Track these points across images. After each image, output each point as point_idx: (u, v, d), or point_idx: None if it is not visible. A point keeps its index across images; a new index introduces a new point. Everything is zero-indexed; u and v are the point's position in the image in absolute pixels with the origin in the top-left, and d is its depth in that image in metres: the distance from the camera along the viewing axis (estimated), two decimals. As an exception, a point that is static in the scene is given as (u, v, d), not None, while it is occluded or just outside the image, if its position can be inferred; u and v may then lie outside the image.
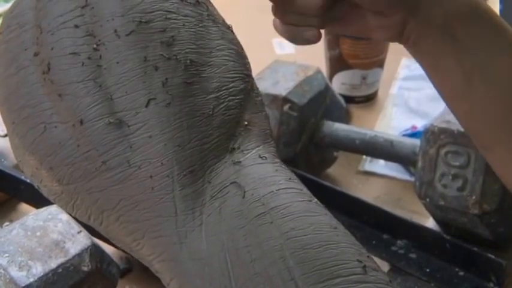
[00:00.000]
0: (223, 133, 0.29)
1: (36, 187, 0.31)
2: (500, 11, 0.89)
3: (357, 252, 0.26)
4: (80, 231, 0.53)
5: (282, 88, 0.75)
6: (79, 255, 0.51)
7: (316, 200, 0.28)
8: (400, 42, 0.46)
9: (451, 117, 0.67)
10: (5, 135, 0.81)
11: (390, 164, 0.84)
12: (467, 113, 0.45)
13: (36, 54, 0.29)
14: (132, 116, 0.27)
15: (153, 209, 0.27)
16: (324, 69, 0.92)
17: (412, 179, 0.75)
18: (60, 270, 0.50)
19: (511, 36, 0.43)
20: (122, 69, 0.28)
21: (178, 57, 0.28)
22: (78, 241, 0.52)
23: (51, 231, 0.52)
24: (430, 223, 0.73)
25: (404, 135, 0.86)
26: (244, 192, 0.27)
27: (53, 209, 0.54)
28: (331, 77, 0.96)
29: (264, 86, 0.75)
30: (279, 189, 0.27)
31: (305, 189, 0.28)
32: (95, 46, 0.28)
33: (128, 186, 0.27)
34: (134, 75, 0.28)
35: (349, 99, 0.95)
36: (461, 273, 0.66)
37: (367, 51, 0.92)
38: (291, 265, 0.25)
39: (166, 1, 0.29)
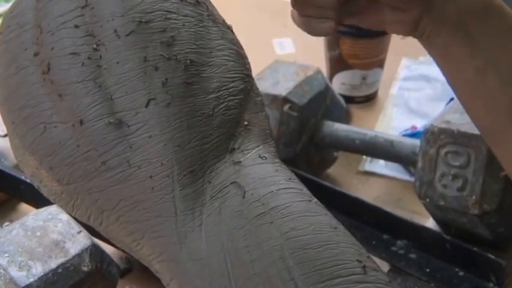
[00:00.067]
0: (223, 133, 0.29)
1: (36, 187, 0.31)
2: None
3: (356, 253, 0.26)
4: (80, 231, 0.53)
5: (282, 88, 0.75)
6: (79, 255, 0.51)
7: (316, 200, 0.28)
8: (415, 36, 0.46)
9: (451, 117, 0.67)
10: (5, 135, 0.82)
11: (390, 164, 0.84)
12: (480, 109, 0.45)
13: (36, 54, 0.29)
14: (132, 116, 0.27)
15: (153, 209, 0.27)
16: (324, 70, 0.92)
17: (412, 179, 0.75)
18: (60, 270, 0.50)
19: None
20: (122, 69, 0.28)
21: (178, 57, 0.28)
22: (78, 241, 0.52)
23: (51, 231, 0.52)
24: (430, 223, 0.73)
25: (404, 135, 0.86)
26: (244, 192, 0.27)
27: (53, 209, 0.54)
28: (331, 77, 0.96)
29: (264, 86, 0.75)
30: (279, 189, 0.27)
31: (305, 189, 0.28)
32: (95, 46, 0.28)
33: (128, 186, 0.27)
34: (134, 75, 0.28)
35: (349, 100, 0.95)
36: (461, 273, 0.66)
37: (367, 51, 0.92)
38: (290, 265, 0.25)
39: (166, 1, 0.29)
